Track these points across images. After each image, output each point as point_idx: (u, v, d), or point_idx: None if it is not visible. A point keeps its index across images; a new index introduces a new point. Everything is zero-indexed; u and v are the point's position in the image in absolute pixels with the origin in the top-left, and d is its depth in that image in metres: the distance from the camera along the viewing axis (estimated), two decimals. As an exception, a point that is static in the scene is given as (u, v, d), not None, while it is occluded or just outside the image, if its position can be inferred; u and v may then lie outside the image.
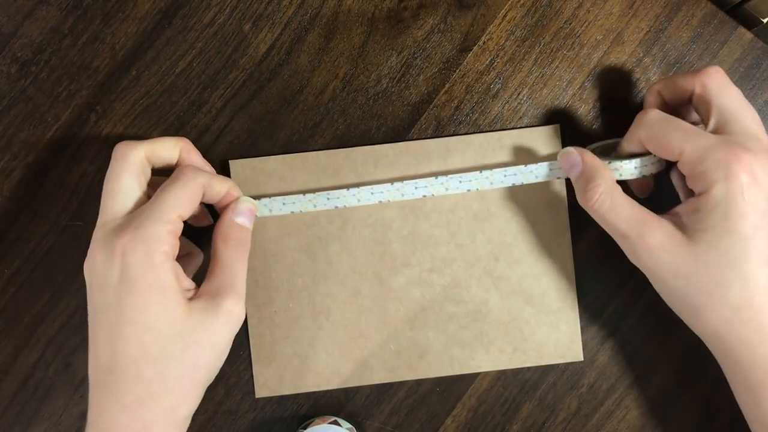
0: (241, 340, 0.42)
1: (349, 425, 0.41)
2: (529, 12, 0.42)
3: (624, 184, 0.40)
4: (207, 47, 0.42)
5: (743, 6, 0.43)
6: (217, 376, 0.42)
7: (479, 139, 0.42)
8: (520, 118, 0.42)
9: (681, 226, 0.35)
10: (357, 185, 0.41)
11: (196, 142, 0.42)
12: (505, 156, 0.42)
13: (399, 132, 0.43)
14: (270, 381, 0.42)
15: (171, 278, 0.35)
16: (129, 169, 0.36)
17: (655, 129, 0.36)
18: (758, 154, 0.34)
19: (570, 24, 0.42)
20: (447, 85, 0.42)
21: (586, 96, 0.42)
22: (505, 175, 0.40)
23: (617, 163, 0.38)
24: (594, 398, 0.43)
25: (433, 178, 0.40)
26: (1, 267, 0.42)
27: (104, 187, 0.37)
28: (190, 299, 0.35)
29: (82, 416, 0.42)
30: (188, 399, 0.36)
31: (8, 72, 0.42)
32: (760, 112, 0.42)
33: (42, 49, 0.42)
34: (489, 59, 0.42)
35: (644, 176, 0.38)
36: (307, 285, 0.42)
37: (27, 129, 0.42)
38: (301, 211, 0.41)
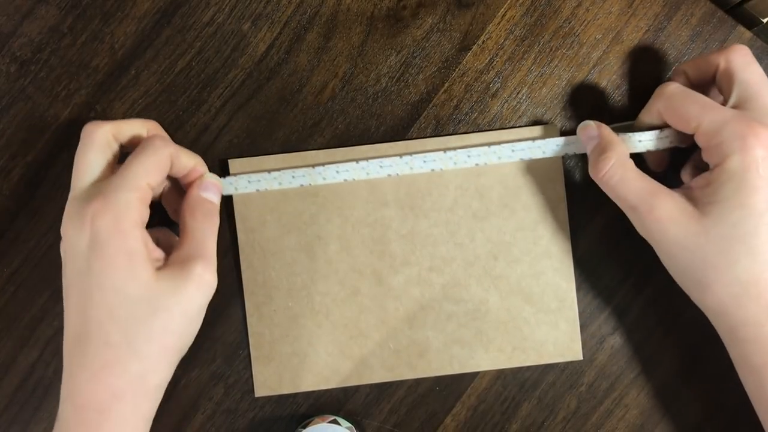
0: (240, 340, 0.42)
1: (348, 424, 0.41)
2: (529, 11, 0.42)
3: (639, 159, 0.40)
4: (206, 46, 0.42)
5: (743, 6, 0.43)
6: (216, 376, 0.42)
7: (478, 138, 0.42)
8: (520, 117, 0.42)
9: (692, 199, 0.35)
10: (324, 164, 0.42)
11: (196, 141, 0.42)
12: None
13: (398, 131, 0.43)
14: (269, 380, 0.42)
15: (139, 244, 0.35)
16: (95, 145, 0.37)
17: (673, 101, 0.36)
18: None
19: (569, 23, 0.42)
20: (446, 85, 0.42)
21: (585, 95, 0.42)
22: (513, 150, 0.41)
23: (634, 135, 0.38)
24: (593, 397, 0.43)
25: (442, 152, 0.41)
26: (1, 266, 0.42)
27: (74, 164, 0.37)
28: (159, 269, 0.36)
29: (82, 415, 0.42)
30: (158, 367, 0.36)
31: (7, 71, 0.42)
32: (759, 111, 0.42)
33: (41, 48, 0.42)
34: (488, 58, 0.42)
35: (659, 150, 0.39)
36: (306, 284, 0.42)
37: (26, 128, 0.42)
38: (266, 189, 0.41)
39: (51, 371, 0.42)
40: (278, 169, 0.41)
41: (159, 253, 0.37)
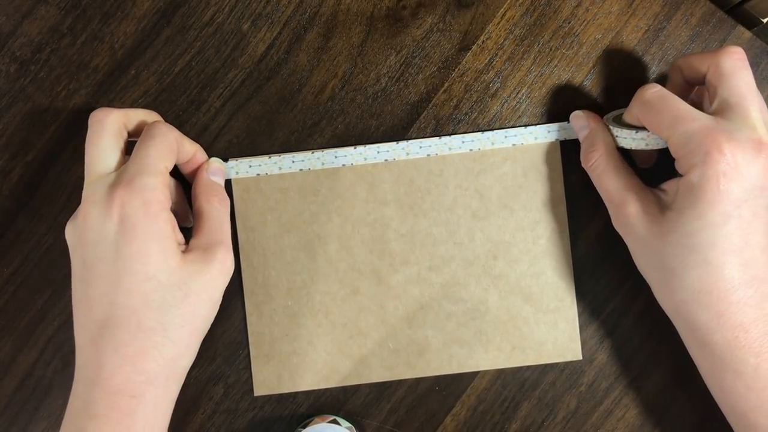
0: (240, 339, 0.42)
1: (348, 424, 0.41)
2: (528, 11, 0.42)
3: (629, 153, 0.41)
4: (206, 46, 0.42)
5: (743, 6, 0.43)
6: (216, 376, 0.42)
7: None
8: (519, 117, 0.42)
9: (662, 202, 0.36)
10: (322, 149, 0.42)
11: (195, 141, 0.42)
12: (505, 153, 0.42)
13: (398, 131, 0.43)
14: (268, 379, 0.42)
15: (168, 228, 0.36)
16: (107, 131, 0.37)
17: (648, 108, 0.37)
18: (745, 145, 0.34)
19: (569, 23, 0.42)
20: (446, 84, 0.42)
21: (585, 95, 0.42)
22: (506, 136, 0.42)
23: (625, 132, 0.39)
24: (593, 397, 0.43)
25: (437, 138, 0.42)
26: (1, 266, 0.43)
27: (87, 151, 0.37)
28: (183, 252, 0.36)
29: (82, 415, 0.42)
30: (188, 350, 0.36)
31: (7, 71, 0.42)
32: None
33: (41, 48, 0.42)
34: (488, 58, 0.42)
35: (643, 149, 0.39)
36: (306, 283, 0.42)
37: (26, 128, 0.42)
38: (267, 174, 0.42)
39: (51, 371, 0.42)
40: (278, 154, 0.42)
41: (181, 237, 0.37)
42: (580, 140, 0.41)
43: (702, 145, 0.34)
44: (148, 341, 0.34)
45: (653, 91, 0.37)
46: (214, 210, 0.38)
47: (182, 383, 0.37)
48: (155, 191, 0.35)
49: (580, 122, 0.40)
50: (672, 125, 0.35)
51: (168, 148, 0.37)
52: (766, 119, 0.35)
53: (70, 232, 0.37)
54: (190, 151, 0.40)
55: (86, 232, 0.35)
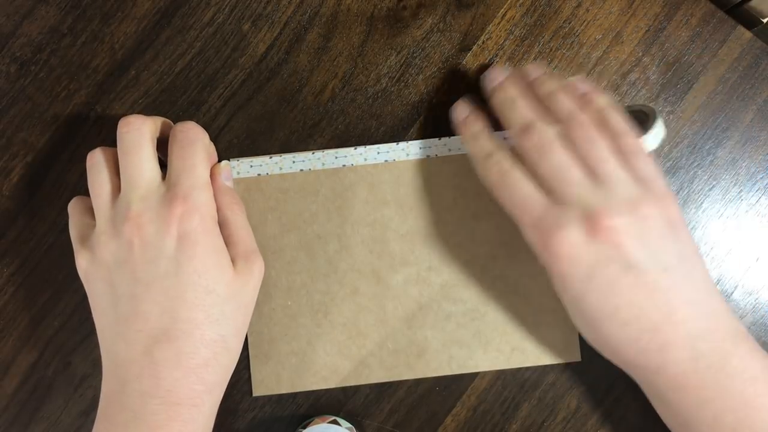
0: (240, 340, 0.42)
1: (348, 425, 0.41)
2: (529, 11, 0.42)
3: None
4: (206, 47, 0.42)
5: (743, 6, 0.43)
6: (216, 376, 0.42)
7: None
8: (519, 117, 0.42)
9: None
10: (322, 150, 0.42)
11: (196, 142, 0.42)
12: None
13: (398, 131, 0.43)
14: (267, 379, 0.42)
15: (222, 242, 0.37)
16: (147, 140, 0.37)
17: (489, 187, 0.38)
18: (574, 230, 0.34)
19: (569, 23, 0.42)
20: (446, 85, 0.42)
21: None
22: (504, 138, 0.40)
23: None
24: (593, 397, 0.43)
25: (437, 139, 0.42)
26: (1, 266, 0.43)
27: (128, 160, 0.37)
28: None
29: (82, 415, 0.42)
30: (238, 356, 0.38)
31: (7, 71, 0.42)
32: (759, 111, 0.42)
33: (41, 48, 0.42)
34: (488, 58, 0.42)
35: None
36: (305, 283, 0.42)
37: (26, 128, 0.42)
38: (268, 174, 0.42)
39: (51, 371, 0.42)
40: (279, 154, 0.42)
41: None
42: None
43: (536, 244, 0.36)
44: (209, 353, 0.35)
45: (494, 171, 0.37)
46: (238, 218, 0.39)
47: None
48: (209, 206, 0.36)
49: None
50: (511, 214, 0.37)
51: (207, 153, 0.38)
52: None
53: (112, 247, 0.36)
54: (211, 151, 0.40)
55: (140, 248, 0.35)
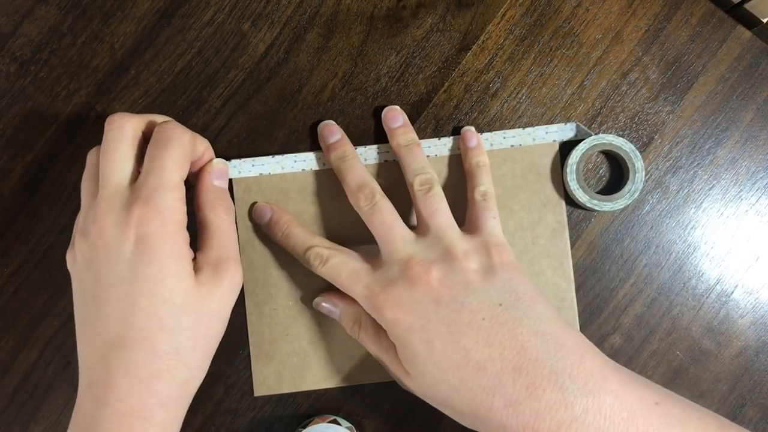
0: (240, 339, 0.42)
1: (348, 424, 0.41)
2: (528, 11, 0.42)
3: None
4: (206, 46, 0.42)
5: (743, 6, 0.43)
6: (216, 376, 0.42)
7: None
8: (519, 117, 0.42)
9: None
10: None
11: (196, 141, 0.42)
12: (504, 154, 0.42)
13: (398, 131, 0.43)
14: (269, 379, 0.42)
15: (185, 248, 0.35)
16: (126, 139, 0.36)
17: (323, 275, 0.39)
18: (393, 288, 0.36)
19: (569, 23, 0.42)
20: (446, 84, 0.42)
21: (585, 95, 0.42)
22: (504, 137, 0.42)
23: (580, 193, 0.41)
24: (593, 397, 0.43)
25: (436, 139, 0.42)
26: (1, 266, 0.42)
27: (104, 158, 0.36)
28: (195, 271, 0.35)
29: (82, 415, 0.42)
30: (200, 372, 0.36)
31: (7, 71, 0.42)
32: (759, 111, 0.42)
33: (41, 48, 0.42)
34: (488, 58, 0.42)
35: None
36: (306, 283, 0.42)
37: (26, 128, 0.42)
38: (269, 173, 0.41)
39: (51, 371, 0.42)
40: (280, 154, 0.42)
41: (191, 252, 0.36)
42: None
43: (367, 308, 0.37)
44: (162, 365, 0.34)
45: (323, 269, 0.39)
46: (221, 221, 0.37)
47: (191, 401, 0.37)
48: (173, 209, 0.34)
49: (328, 306, 0.41)
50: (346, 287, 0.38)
51: (183, 154, 0.36)
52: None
53: (83, 247, 0.35)
54: (201, 149, 0.38)
55: (102, 250, 0.34)
